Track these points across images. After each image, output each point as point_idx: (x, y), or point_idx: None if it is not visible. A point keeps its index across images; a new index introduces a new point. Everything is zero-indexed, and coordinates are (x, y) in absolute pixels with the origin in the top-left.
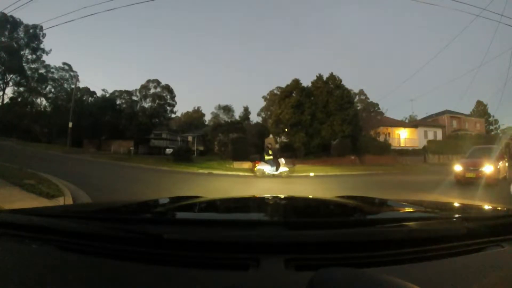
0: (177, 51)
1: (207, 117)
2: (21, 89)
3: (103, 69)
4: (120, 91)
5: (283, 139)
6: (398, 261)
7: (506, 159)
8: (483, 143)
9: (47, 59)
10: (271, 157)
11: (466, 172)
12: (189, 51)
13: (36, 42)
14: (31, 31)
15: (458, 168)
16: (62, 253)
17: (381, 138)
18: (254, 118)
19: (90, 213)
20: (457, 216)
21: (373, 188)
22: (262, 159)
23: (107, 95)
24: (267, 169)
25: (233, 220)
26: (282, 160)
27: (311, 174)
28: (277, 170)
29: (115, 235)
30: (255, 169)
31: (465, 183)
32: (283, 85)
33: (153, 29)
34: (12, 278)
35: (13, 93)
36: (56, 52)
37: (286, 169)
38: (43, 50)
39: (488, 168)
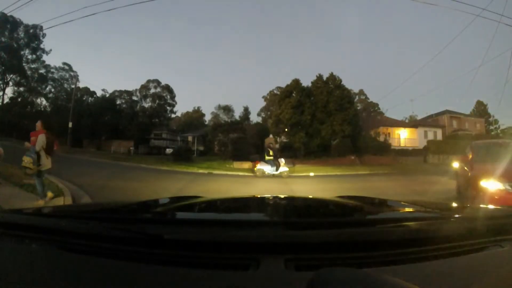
0: (177, 51)
1: (207, 117)
2: (21, 89)
3: (103, 69)
4: (120, 91)
5: (283, 139)
6: (398, 261)
7: None
8: None
9: (47, 59)
10: (271, 157)
11: None
12: (189, 51)
13: (36, 42)
14: (31, 31)
15: (490, 186)
16: (62, 253)
17: (381, 138)
18: (254, 118)
19: (90, 213)
20: (457, 216)
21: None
22: (262, 159)
23: (107, 95)
24: (267, 169)
25: (233, 220)
26: (282, 160)
27: (311, 174)
28: (277, 170)
29: (115, 235)
30: (255, 169)
31: None
32: (283, 85)
33: (153, 29)
34: (12, 278)
35: (13, 93)
36: (56, 52)
37: (286, 169)
38: (43, 50)
39: None
